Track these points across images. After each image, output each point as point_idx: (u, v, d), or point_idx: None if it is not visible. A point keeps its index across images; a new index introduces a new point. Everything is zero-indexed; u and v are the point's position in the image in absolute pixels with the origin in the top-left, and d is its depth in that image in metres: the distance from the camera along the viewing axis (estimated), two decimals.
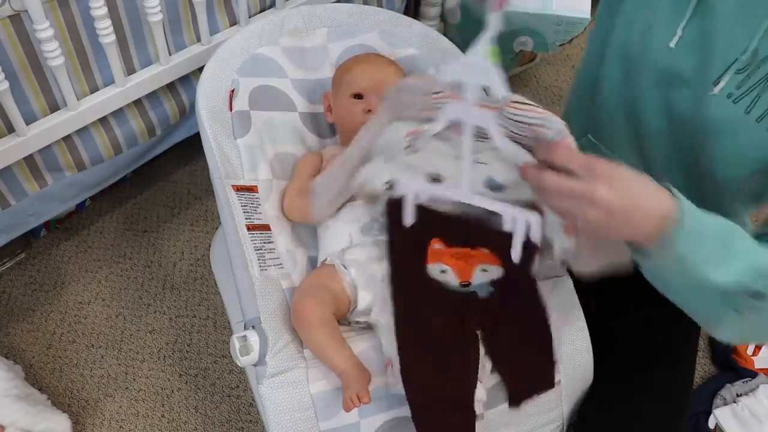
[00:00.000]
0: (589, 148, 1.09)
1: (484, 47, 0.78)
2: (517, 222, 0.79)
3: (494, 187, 0.84)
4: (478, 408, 0.90)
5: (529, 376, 0.85)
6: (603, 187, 0.68)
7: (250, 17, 1.34)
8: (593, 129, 1.08)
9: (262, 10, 1.38)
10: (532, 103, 0.77)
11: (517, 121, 0.77)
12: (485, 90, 0.79)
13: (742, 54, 0.82)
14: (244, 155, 1.01)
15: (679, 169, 0.97)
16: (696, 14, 0.86)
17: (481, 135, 0.78)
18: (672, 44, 0.88)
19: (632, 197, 0.69)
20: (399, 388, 0.81)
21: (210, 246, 1.53)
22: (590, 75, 1.05)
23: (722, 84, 0.84)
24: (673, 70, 0.90)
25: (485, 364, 0.85)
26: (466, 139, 0.77)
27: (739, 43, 0.82)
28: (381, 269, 0.94)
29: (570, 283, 1.00)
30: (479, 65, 0.77)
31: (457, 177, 0.81)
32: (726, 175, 0.90)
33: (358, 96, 1.06)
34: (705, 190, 0.93)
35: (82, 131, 1.22)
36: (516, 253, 0.81)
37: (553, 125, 0.75)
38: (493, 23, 0.79)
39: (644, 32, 0.92)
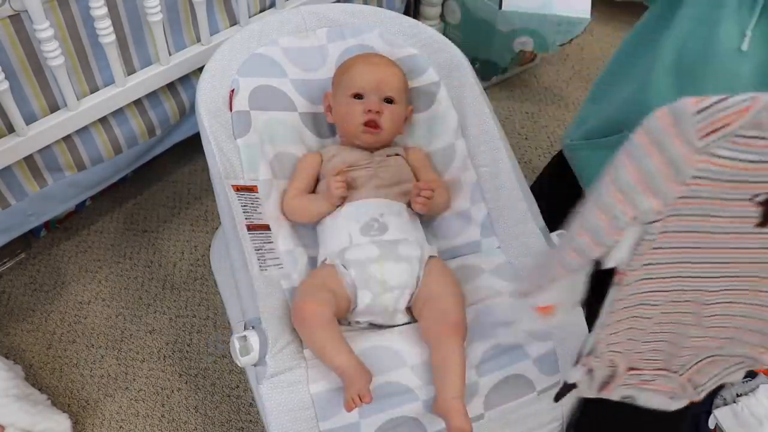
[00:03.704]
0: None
1: None
2: None
3: None
4: (477, 408, 0.90)
5: None
6: None
7: (250, 17, 1.34)
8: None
9: (262, 10, 1.38)
10: None
11: None
12: None
13: None
14: (244, 155, 1.01)
15: None
16: (763, 12, 0.85)
17: None
18: (744, 47, 0.87)
19: None
20: None
21: (210, 246, 1.53)
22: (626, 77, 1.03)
23: None
24: (741, 74, 0.89)
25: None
26: None
27: None
28: (380, 269, 0.94)
29: None
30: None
31: None
32: None
33: (358, 96, 1.06)
34: None
35: (82, 131, 1.22)
36: None
37: None
38: None
39: (706, 40, 0.91)
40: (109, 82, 1.20)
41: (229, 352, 0.89)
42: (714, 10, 0.90)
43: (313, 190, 1.07)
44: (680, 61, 0.94)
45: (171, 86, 1.33)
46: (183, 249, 1.56)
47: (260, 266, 0.93)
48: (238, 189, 0.98)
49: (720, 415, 1.32)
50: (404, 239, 0.98)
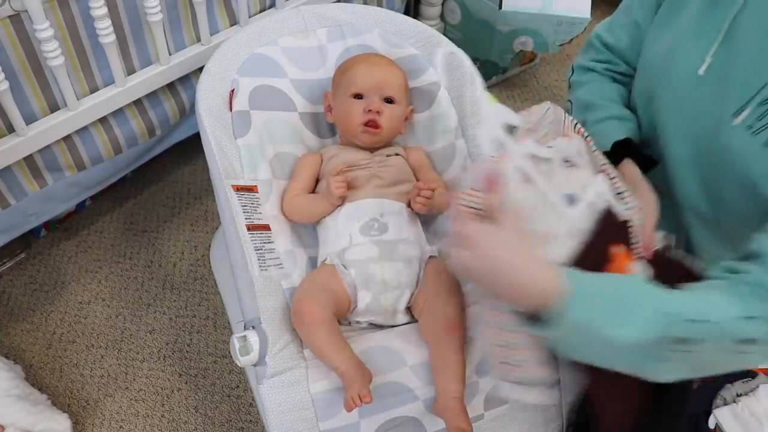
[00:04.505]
0: None
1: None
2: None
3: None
4: (477, 408, 0.90)
5: None
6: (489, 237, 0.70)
7: (250, 17, 1.34)
8: None
9: (262, 10, 1.38)
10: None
11: None
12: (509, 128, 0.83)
13: (764, 86, 0.79)
14: (244, 155, 1.01)
15: (699, 199, 0.93)
16: (724, 40, 0.84)
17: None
18: (701, 71, 0.86)
19: (517, 254, 0.69)
20: None
21: (210, 246, 1.53)
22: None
23: (744, 115, 0.81)
24: (697, 98, 0.87)
25: None
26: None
27: (763, 73, 0.80)
28: (380, 269, 0.94)
29: None
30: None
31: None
32: (745, 208, 0.86)
33: (358, 96, 1.06)
34: (727, 219, 0.90)
35: (82, 131, 1.22)
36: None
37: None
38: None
39: (667, 56, 0.90)
40: (109, 82, 1.21)
41: (229, 352, 0.89)
42: (672, 29, 0.90)
43: (313, 190, 1.07)
44: (650, 72, 0.94)
45: (171, 86, 1.33)
46: (183, 249, 1.56)
47: (260, 266, 0.93)
48: (238, 189, 0.98)
49: (720, 415, 1.32)
50: (404, 239, 0.98)
